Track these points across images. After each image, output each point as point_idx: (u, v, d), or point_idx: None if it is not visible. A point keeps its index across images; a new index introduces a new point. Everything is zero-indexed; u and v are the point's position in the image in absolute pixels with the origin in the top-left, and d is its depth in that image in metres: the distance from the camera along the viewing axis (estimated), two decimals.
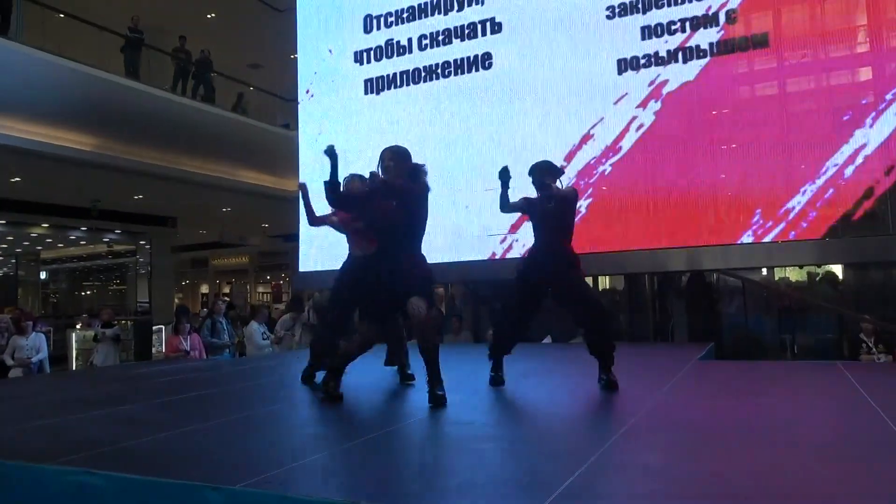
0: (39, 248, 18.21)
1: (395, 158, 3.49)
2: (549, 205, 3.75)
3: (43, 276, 19.69)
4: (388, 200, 3.45)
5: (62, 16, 10.66)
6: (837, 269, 7.54)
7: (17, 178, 11.17)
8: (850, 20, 5.95)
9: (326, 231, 4.56)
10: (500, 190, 3.83)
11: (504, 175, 3.80)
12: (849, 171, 5.74)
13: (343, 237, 4.26)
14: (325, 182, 3.50)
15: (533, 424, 3.11)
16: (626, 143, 6.52)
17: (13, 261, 18.34)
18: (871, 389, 3.47)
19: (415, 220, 3.45)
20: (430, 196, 3.52)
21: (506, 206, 3.88)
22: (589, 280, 7.80)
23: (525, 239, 6.30)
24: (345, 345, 3.69)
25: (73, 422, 3.27)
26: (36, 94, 9.16)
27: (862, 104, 5.80)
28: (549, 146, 6.62)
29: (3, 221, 13.78)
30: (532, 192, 3.91)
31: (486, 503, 1.90)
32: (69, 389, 4.75)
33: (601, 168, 6.60)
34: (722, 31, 6.23)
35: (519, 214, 4.05)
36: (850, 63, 6.00)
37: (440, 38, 7.49)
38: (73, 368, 10.26)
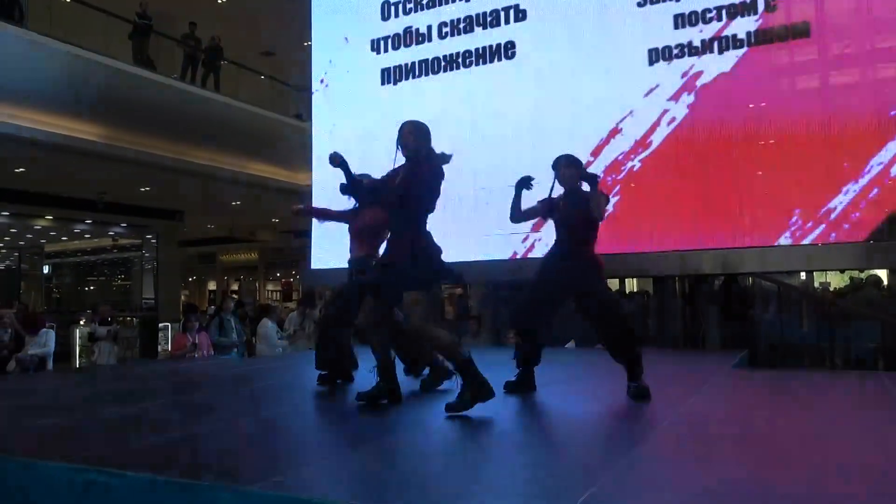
0: (43, 241, 18.53)
1: (415, 132, 3.53)
2: (575, 205, 3.74)
3: (46, 270, 19.99)
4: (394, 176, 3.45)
5: (68, 0, 10.85)
6: (882, 274, 7.47)
7: (22, 169, 11.40)
8: None
9: (339, 227, 4.63)
10: (515, 193, 3.85)
11: (523, 184, 3.80)
12: (895, 169, 5.69)
13: None
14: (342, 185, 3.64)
15: (554, 432, 3.14)
16: (657, 138, 6.51)
17: (16, 254, 18.68)
18: None
19: (425, 195, 3.39)
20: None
21: (516, 214, 3.89)
22: (615, 283, 7.85)
23: (548, 238, 6.31)
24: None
25: (80, 420, 3.36)
26: (40, 81, 9.33)
27: None
28: (576, 140, 6.62)
29: (7, 213, 14.05)
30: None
31: None
32: (71, 387, 4.87)
33: (630, 164, 6.60)
34: (760, 20, 6.20)
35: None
36: None
37: (461, 25, 7.51)
38: (77, 366, 10.47)
